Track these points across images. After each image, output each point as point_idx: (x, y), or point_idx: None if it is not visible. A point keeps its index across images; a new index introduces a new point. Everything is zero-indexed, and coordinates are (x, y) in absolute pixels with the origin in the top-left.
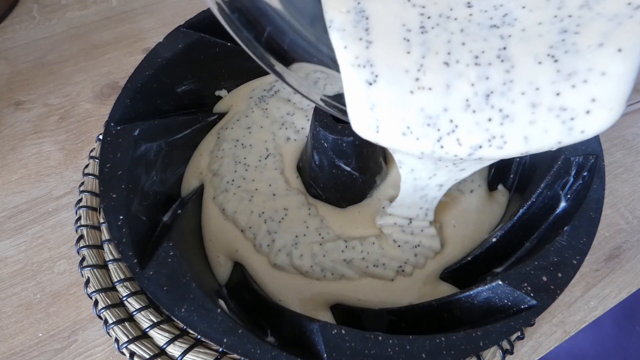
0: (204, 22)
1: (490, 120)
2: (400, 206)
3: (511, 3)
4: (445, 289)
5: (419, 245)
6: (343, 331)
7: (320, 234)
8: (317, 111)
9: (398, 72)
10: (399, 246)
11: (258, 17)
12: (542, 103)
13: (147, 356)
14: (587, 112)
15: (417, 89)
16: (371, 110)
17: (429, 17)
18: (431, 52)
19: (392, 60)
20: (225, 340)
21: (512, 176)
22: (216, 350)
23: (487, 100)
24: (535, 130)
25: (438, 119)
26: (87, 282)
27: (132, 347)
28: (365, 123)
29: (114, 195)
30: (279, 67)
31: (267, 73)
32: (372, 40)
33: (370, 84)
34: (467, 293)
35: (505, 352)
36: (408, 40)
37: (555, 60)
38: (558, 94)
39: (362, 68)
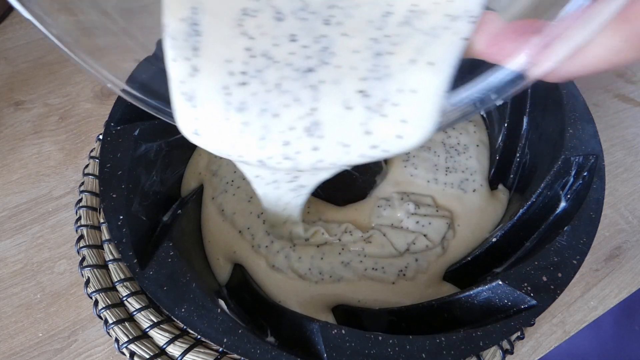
0: None
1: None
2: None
3: (334, 31)
4: (449, 290)
5: (416, 245)
6: (343, 331)
7: None
8: None
9: (220, 145)
10: (396, 246)
11: None
12: (352, 158)
13: (147, 356)
14: (399, 136)
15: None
16: (196, 137)
17: (252, 57)
18: (248, 130)
19: (213, 120)
20: (225, 340)
21: (512, 176)
22: (216, 350)
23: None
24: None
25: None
26: (87, 282)
27: (132, 347)
28: (191, 140)
29: (114, 195)
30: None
31: None
32: (198, 69)
33: (196, 133)
34: (467, 293)
35: (505, 352)
36: (229, 94)
37: (366, 96)
38: (368, 133)
39: (188, 102)
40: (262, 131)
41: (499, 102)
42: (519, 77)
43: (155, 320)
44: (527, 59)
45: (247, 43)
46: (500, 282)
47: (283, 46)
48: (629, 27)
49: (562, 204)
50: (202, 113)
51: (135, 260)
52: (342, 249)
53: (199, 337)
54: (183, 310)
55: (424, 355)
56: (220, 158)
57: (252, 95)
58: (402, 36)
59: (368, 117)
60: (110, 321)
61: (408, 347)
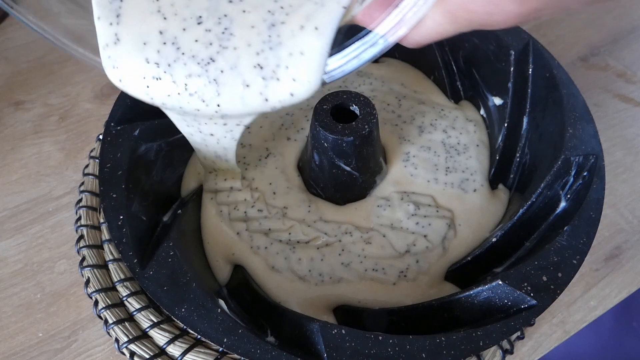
0: None
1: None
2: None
3: (235, 9)
4: (450, 290)
5: (416, 246)
6: (343, 331)
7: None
8: (317, 111)
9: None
10: (396, 248)
11: None
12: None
13: (147, 356)
14: (291, 94)
15: None
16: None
17: (164, 43)
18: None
19: (135, 88)
20: (225, 340)
21: (512, 176)
22: (216, 350)
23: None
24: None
25: None
26: (87, 282)
27: (132, 347)
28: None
29: (114, 195)
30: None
31: None
32: (120, 39)
33: (120, 81)
34: (467, 293)
35: (505, 352)
36: (149, 87)
37: (262, 67)
38: (267, 100)
39: (114, 70)
40: (188, 129)
41: (370, 60)
42: (384, 40)
43: (155, 320)
44: (387, 26)
45: (161, 24)
46: (500, 282)
47: (190, 31)
48: (445, 5)
49: (562, 204)
50: (129, 89)
51: (136, 260)
52: (342, 250)
53: (199, 337)
54: (183, 310)
55: (424, 355)
56: None
57: (168, 97)
58: (294, 6)
59: (265, 85)
60: (110, 321)
61: (408, 347)
